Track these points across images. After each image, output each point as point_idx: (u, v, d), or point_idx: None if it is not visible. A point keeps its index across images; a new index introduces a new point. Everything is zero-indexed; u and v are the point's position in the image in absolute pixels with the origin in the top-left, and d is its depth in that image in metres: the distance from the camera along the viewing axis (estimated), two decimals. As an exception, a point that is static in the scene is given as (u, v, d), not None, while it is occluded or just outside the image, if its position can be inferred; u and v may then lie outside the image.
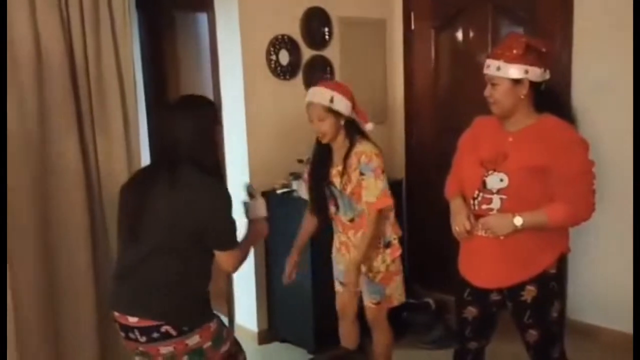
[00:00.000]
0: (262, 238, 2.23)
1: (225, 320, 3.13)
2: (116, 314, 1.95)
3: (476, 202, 2.12)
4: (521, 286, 2.12)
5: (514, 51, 2.00)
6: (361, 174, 2.46)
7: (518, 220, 2.01)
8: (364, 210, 2.50)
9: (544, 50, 2.04)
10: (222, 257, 1.97)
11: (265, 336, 3.52)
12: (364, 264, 2.58)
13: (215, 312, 2.06)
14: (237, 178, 3.21)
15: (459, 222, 2.12)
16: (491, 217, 2.07)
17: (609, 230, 3.18)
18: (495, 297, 2.21)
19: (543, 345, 2.17)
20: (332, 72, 3.74)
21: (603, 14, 3.17)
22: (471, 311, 2.26)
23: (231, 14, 3.28)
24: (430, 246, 3.89)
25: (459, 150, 2.32)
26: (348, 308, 2.78)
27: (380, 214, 2.50)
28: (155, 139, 2.27)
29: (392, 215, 2.64)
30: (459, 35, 3.85)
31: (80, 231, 2.42)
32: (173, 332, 1.88)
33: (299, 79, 3.57)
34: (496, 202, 2.07)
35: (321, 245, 3.15)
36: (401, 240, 2.70)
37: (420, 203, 3.97)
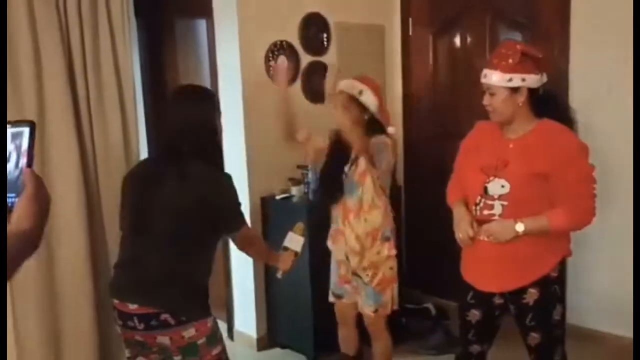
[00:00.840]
0: (280, 266, 2.28)
1: (223, 326, 3.13)
2: (116, 301, 1.96)
3: (478, 208, 2.13)
4: (523, 290, 2.12)
5: (510, 60, 2.01)
6: (373, 164, 2.48)
7: (520, 227, 2.02)
8: (366, 194, 2.52)
9: (539, 56, 2.05)
10: (237, 235, 2.07)
11: (265, 342, 3.51)
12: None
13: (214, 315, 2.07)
14: (236, 182, 3.20)
15: (462, 229, 2.13)
16: (493, 223, 2.08)
17: (610, 235, 3.18)
18: (498, 300, 2.21)
19: (545, 348, 2.18)
20: (330, 78, 3.75)
21: (600, 19, 3.18)
22: (474, 314, 2.26)
23: (230, 20, 3.29)
24: (429, 251, 3.89)
25: (461, 154, 2.33)
26: (347, 314, 2.78)
27: None
28: (157, 131, 2.25)
29: (387, 205, 2.62)
30: (457, 40, 3.87)
31: (78, 226, 2.41)
32: (171, 321, 1.89)
33: (298, 84, 3.58)
34: (497, 208, 2.07)
35: (320, 251, 3.15)
36: (397, 239, 2.70)
37: (419, 208, 3.97)
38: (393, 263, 2.64)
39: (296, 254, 2.28)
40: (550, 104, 2.11)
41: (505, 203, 2.06)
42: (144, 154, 3.02)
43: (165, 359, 2.00)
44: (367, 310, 2.66)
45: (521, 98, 2.05)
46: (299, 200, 3.29)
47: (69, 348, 2.45)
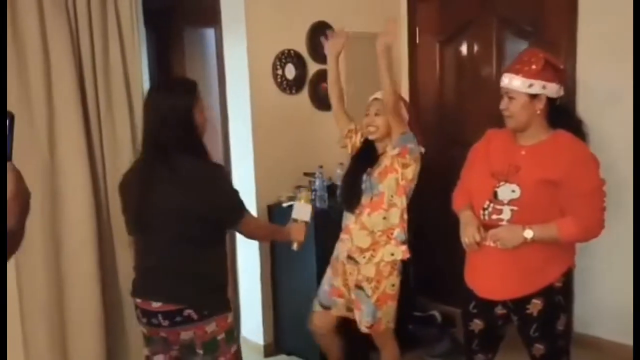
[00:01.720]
0: (295, 239, 2.28)
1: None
2: (138, 300, 2.03)
3: (486, 212, 2.13)
4: (527, 299, 2.12)
5: (533, 67, 2.02)
6: (405, 165, 2.52)
7: (528, 233, 2.02)
8: (386, 190, 2.54)
9: (561, 67, 2.07)
10: (240, 226, 2.06)
11: (271, 349, 3.52)
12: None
13: None
14: (243, 190, 3.22)
15: (469, 234, 2.13)
16: (501, 228, 2.07)
17: (616, 244, 3.17)
18: (500, 310, 2.21)
19: (549, 359, 2.17)
20: (337, 86, 3.76)
21: (607, 27, 3.18)
22: (477, 324, 2.27)
23: (238, 29, 3.32)
24: (435, 258, 3.89)
25: (469, 161, 2.34)
26: (329, 324, 2.78)
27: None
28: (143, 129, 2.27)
29: (404, 207, 2.61)
30: (464, 49, 3.88)
31: (86, 230, 2.43)
32: (195, 316, 1.96)
33: (305, 93, 3.60)
34: (506, 213, 2.08)
35: (327, 255, 3.16)
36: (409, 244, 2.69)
37: (425, 215, 3.96)
38: (396, 280, 2.60)
39: (307, 223, 2.27)
40: (564, 116, 2.12)
41: (515, 208, 2.06)
42: None
43: (184, 356, 2.05)
44: (363, 325, 2.63)
45: (540, 105, 2.06)
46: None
47: (76, 344, 2.47)
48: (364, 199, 2.59)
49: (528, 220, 2.04)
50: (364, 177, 2.61)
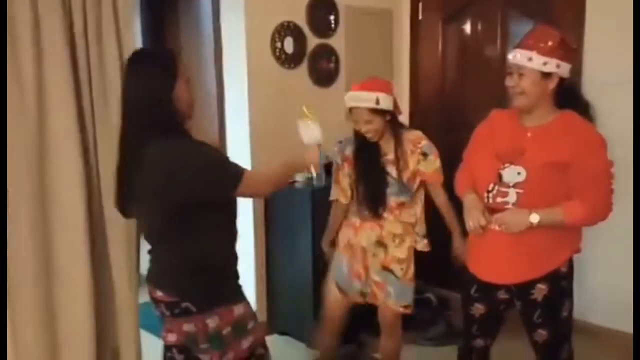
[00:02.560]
0: (310, 162, 2.04)
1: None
2: (149, 286, 1.93)
3: (491, 195, 2.07)
4: (531, 284, 2.07)
5: (550, 43, 1.94)
6: (424, 154, 2.50)
7: (534, 218, 1.95)
8: (416, 190, 2.54)
9: (574, 46, 1.99)
10: (244, 189, 1.81)
11: (262, 329, 3.47)
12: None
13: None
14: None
15: (474, 217, 2.07)
16: (507, 212, 2.01)
17: (618, 230, 3.12)
18: (502, 295, 2.16)
19: (552, 345, 2.13)
20: (337, 62, 3.68)
21: (616, 8, 3.10)
22: (478, 308, 2.21)
23: (236, 0, 3.20)
24: (433, 241, 3.84)
25: (473, 143, 2.26)
26: (340, 312, 2.70)
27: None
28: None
29: (422, 205, 2.62)
30: (467, 27, 3.79)
31: (74, 204, 2.33)
32: (193, 309, 1.83)
33: (304, 67, 3.51)
34: (512, 196, 2.01)
35: (323, 236, 3.11)
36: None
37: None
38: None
39: (319, 145, 2.03)
40: (571, 98, 2.05)
41: (520, 191, 2.00)
42: None
43: (190, 346, 1.92)
44: (397, 306, 2.55)
45: (551, 85, 1.98)
46: (303, 186, 3.23)
47: (65, 322, 2.40)
48: (394, 201, 2.52)
49: (534, 203, 1.98)
50: (389, 179, 2.50)
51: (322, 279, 3.18)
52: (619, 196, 2.95)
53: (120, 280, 2.47)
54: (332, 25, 3.62)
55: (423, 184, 2.57)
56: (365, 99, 2.41)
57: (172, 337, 2.00)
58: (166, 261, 1.88)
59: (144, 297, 2.64)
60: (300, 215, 3.15)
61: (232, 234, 1.95)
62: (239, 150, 3.35)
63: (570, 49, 2.00)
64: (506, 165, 2.03)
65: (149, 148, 1.75)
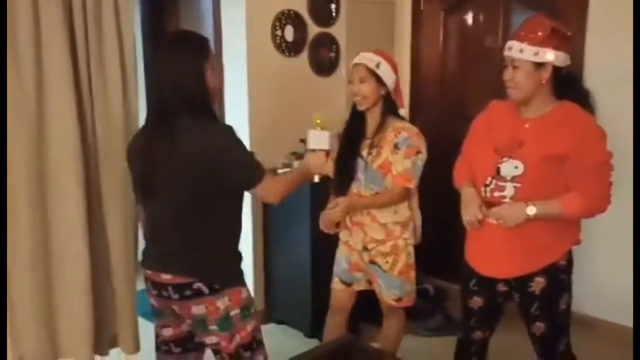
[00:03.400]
0: (316, 172, 2.04)
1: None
2: (148, 272, 1.93)
3: (488, 189, 2.06)
4: (530, 277, 2.07)
5: (539, 33, 1.92)
6: (395, 146, 2.39)
7: (531, 210, 1.94)
8: (388, 185, 2.44)
9: (569, 34, 1.96)
10: (259, 191, 1.88)
11: (262, 317, 3.47)
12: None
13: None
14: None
15: (471, 212, 2.06)
16: (503, 206, 2.00)
17: (617, 222, 3.12)
18: (501, 287, 2.16)
19: (550, 338, 2.13)
20: (337, 51, 3.66)
21: (620, 3, 3.07)
22: (477, 301, 2.21)
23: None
24: (431, 233, 3.84)
25: (471, 134, 2.25)
26: (347, 303, 2.69)
27: (404, 193, 2.46)
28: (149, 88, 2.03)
29: (415, 195, 2.58)
30: (469, 18, 3.77)
31: (73, 188, 2.31)
32: (205, 290, 1.85)
33: (304, 56, 3.49)
34: (510, 190, 2.00)
35: (322, 230, 3.10)
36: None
37: (423, 189, 3.90)
38: (411, 249, 2.55)
39: (327, 152, 2.02)
40: (570, 86, 2.03)
41: (518, 185, 1.99)
42: (142, 108, 2.91)
43: (196, 331, 1.95)
44: (389, 299, 2.55)
45: (545, 75, 1.96)
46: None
47: (63, 308, 2.39)
48: (367, 192, 2.47)
49: (532, 197, 1.97)
50: (360, 161, 2.46)
51: (321, 269, 3.19)
52: (619, 188, 2.96)
53: (118, 267, 2.46)
54: (333, 14, 3.60)
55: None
56: (368, 58, 2.43)
57: (167, 332, 2.02)
58: (183, 243, 1.88)
59: (141, 285, 2.65)
60: (299, 205, 3.14)
61: (240, 219, 2.00)
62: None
63: (565, 37, 1.97)
64: (504, 158, 2.02)
65: (179, 127, 1.79)
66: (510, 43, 1.98)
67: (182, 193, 1.83)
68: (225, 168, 1.80)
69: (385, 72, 2.41)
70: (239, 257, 2.00)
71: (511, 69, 1.99)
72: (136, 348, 2.56)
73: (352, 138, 2.51)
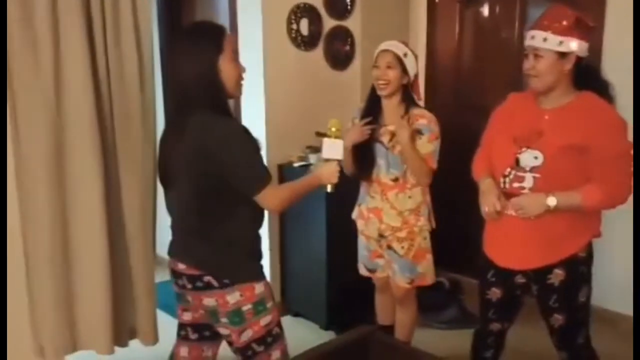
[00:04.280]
0: (328, 181, 1.98)
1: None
2: (170, 259, 1.96)
3: (507, 179, 2.05)
4: (549, 269, 2.06)
5: (564, 23, 1.91)
6: (419, 132, 2.46)
7: (552, 201, 1.93)
8: (408, 170, 2.50)
9: (592, 25, 1.95)
10: (258, 200, 1.84)
11: (278, 309, 3.48)
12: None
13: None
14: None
15: (490, 202, 2.05)
16: (523, 196, 1.99)
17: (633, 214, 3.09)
18: (520, 279, 2.15)
19: (568, 330, 2.12)
20: (352, 44, 3.65)
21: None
22: (495, 293, 2.21)
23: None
24: (446, 226, 3.82)
25: (491, 126, 2.24)
26: (387, 283, 2.76)
27: (431, 173, 2.52)
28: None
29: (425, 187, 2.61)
30: (485, 10, 3.73)
31: (93, 187, 2.33)
32: (215, 283, 1.85)
33: (320, 49, 3.49)
34: (529, 181, 1.99)
35: (337, 219, 3.11)
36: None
37: (439, 181, 3.89)
38: (427, 233, 2.61)
39: (339, 161, 2.00)
40: (589, 77, 2.01)
41: (537, 175, 1.97)
42: (159, 97, 2.89)
43: (209, 321, 1.96)
44: (402, 282, 2.63)
45: (568, 65, 1.95)
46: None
47: (82, 298, 2.41)
48: (387, 177, 2.53)
49: (551, 188, 1.95)
50: (380, 147, 2.53)
51: (336, 261, 3.21)
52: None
53: (137, 259, 2.48)
54: (349, 7, 3.58)
55: None
56: (396, 46, 2.51)
57: (187, 316, 2.04)
58: (193, 234, 1.90)
59: (160, 277, 2.67)
60: (315, 198, 3.14)
61: (260, 214, 1.96)
62: (253, 131, 3.33)
63: (588, 27, 1.96)
64: (523, 149, 2.00)
65: (191, 120, 1.79)
66: (532, 32, 1.97)
67: (190, 186, 1.84)
68: (226, 167, 1.77)
69: (411, 63, 2.51)
70: (255, 253, 1.97)
71: (533, 58, 1.97)
72: (155, 340, 2.59)
73: (370, 124, 2.55)
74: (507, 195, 2.04)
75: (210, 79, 1.80)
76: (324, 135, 3.22)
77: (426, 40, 3.96)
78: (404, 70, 2.49)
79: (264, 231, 3.33)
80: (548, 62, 1.94)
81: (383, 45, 2.54)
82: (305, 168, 3.25)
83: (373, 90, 2.58)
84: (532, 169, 1.99)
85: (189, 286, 1.90)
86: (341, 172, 2.01)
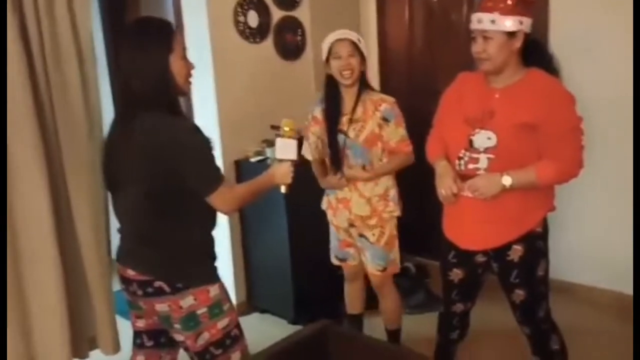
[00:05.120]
0: (282, 182, 1.95)
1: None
2: (119, 266, 1.88)
3: (462, 162, 2.04)
4: (508, 246, 2.07)
5: (509, 2, 1.90)
6: (384, 119, 2.47)
7: (507, 180, 1.94)
8: (374, 158, 2.51)
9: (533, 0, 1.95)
10: (210, 201, 1.78)
11: (245, 308, 3.44)
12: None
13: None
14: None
15: (446, 185, 2.04)
16: (478, 177, 1.99)
17: (592, 187, 3.16)
18: (480, 258, 2.16)
19: (529, 305, 2.14)
20: (303, 34, 3.61)
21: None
22: (457, 273, 2.21)
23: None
24: (408, 210, 3.84)
25: (442, 107, 2.23)
26: (358, 272, 2.77)
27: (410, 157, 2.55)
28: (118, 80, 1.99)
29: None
30: (433, -7, 3.74)
31: (39, 196, 2.22)
32: (166, 289, 1.78)
33: (269, 41, 3.44)
34: (483, 162, 1.99)
35: (299, 212, 3.08)
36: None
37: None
38: (395, 220, 2.63)
39: (293, 161, 1.95)
40: (536, 52, 2.02)
41: (492, 156, 1.98)
42: (107, 106, 2.80)
43: (164, 327, 1.90)
44: (375, 269, 2.64)
45: (517, 43, 1.95)
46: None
47: (37, 321, 2.32)
48: (356, 166, 2.52)
49: (506, 168, 1.96)
50: (341, 137, 2.52)
51: (300, 255, 3.18)
52: (595, 151, 2.99)
53: (91, 266, 2.40)
54: (296, -3, 3.54)
55: (389, 151, 2.54)
56: (350, 34, 2.52)
57: (140, 323, 1.98)
58: (142, 238, 1.83)
59: (117, 284, 2.60)
60: (274, 192, 3.10)
61: (213, 214, 1.90)
62: (206, 128, 3.26)
63: (530, 3, 1.96)
64: (476, 130, 2.00)
65: (139, 120, 1.72)
66: (478, 15, 1.96)
67: (139, 189, 1.77)
68: (179, 167, 1.72)
69: (364, 48, 2.52)
70: (208, 256, 1.92)
71: (482, 41, 1.96)
72: (116, 349, 2.52)
73: (333, 116, 2.54)
74: (463, 177, 2.04)
75: (161, 78, 1.74)
76: (278, 128, 3.19)
77: (377, 26, 3.95)
78: (362, 56, 2.49)
79: (224, 229, 3.32)
80: (498, 43, 1.94)
81: (337, 35, 2.50)
82: (262, 162, 3.20)
83: (330, 79, 2.55)
84: (486, 150, 1.99)
85: (140, 292, 1.84)
86: (295, 172, 1.96)
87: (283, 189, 1.98)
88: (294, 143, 1.96)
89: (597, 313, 3.19)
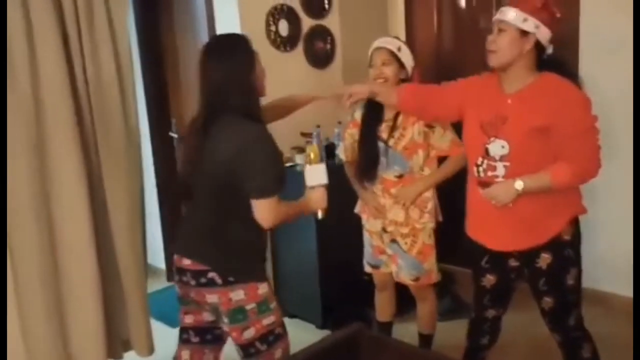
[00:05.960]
0: (317, 207, 2.02)
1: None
2: (175, 256, 1.97)
3: (481, 169, 2.07)
4: (536, 253, 2.08)
5: (536, 4, 1.93)
6: (429, 126, 2.46)
7: (519, 185, 1.96)
8: (415, 167, 2.49)
9: (558, 15, 1.97)
10: (255, 206, 1.87)
11: (280, 311, 3.48)
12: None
13: None
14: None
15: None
16: (493, 187, 2.02)
17: (620, 194, 3.12)
18: (513, 263, 2.17)
19: (558, 312, 2.14)
20: (332, 42, 3.66)
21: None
22: (490, 279, 2.22)
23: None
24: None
25: (459, 83, 2.27)
26: (387, 281, 2.77)
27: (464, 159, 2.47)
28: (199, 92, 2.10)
29: None
30: (462, 1, 3.75)
31: (78, 199, 2.31)
32: (218, 280, 1.88)
33: (300, 50, 3.49)
34: (500, 170, 2.02)
35: (328, 219, 3.10)
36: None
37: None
38: (431, 230, 2.59)
39: (325, 186, 2.01)
40: (554, 65, 2.02)
41: (507, 164, 2.00)
42: (144, 125, 2.91)
43: (216, 319, 1.98)
44: (407, 279, 2.62)
45: (527, 45, 1.96)
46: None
47: (73, 314, 2.40)
48: (391, 174, 2.52)
49: (522, 174, 1.97)
50: (380, 144, 2.52)
51: (328, 261, 3.20)
52: (624, 158, 2.95)
53: (127, 269, 2.47)
54: (326, 6, 3.59)
55: (436, 158, 2.53)
56: (389, 42, 2.52)
57: (189, 319, 2.05)
58: (204, 231, 1.93)
59: (154, 287, 2.67)
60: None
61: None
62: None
63: (553, 15, 1.97)
64: (491, 139, 2.02)
65: (219, 122, 1.85)
66: (502, 8, 1.99)
67: (208, 185, 1.89)
68: (239, 169, 1.82)
69: (406, 56, 2.51)
70: (260, 256, 2.02)
71: (496, 33, 1.99)
72: (150, 350, 2.58)
73: (372, 122, 2.55)
74: (484, 184, 2.07)
75: (246, 93, 1.88)
76: (308, 135, 3.24)
77: (405, 33, 3.97)
78: (401, 65, 2.49)
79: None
80: (509, 37, 1.95)
81: (376, 43, 2.53)
82: (292, 169, 3.25)
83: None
84: (501, 158, 2.01)
85: (193, 282, 1.92)
86: (329, 195, 2.02)
87: (320, 215, 2.04)
88: (322, 167, 2.00)
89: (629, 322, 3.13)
